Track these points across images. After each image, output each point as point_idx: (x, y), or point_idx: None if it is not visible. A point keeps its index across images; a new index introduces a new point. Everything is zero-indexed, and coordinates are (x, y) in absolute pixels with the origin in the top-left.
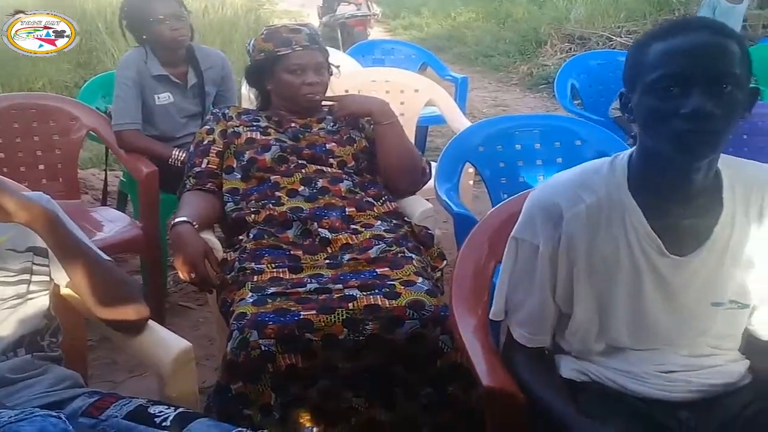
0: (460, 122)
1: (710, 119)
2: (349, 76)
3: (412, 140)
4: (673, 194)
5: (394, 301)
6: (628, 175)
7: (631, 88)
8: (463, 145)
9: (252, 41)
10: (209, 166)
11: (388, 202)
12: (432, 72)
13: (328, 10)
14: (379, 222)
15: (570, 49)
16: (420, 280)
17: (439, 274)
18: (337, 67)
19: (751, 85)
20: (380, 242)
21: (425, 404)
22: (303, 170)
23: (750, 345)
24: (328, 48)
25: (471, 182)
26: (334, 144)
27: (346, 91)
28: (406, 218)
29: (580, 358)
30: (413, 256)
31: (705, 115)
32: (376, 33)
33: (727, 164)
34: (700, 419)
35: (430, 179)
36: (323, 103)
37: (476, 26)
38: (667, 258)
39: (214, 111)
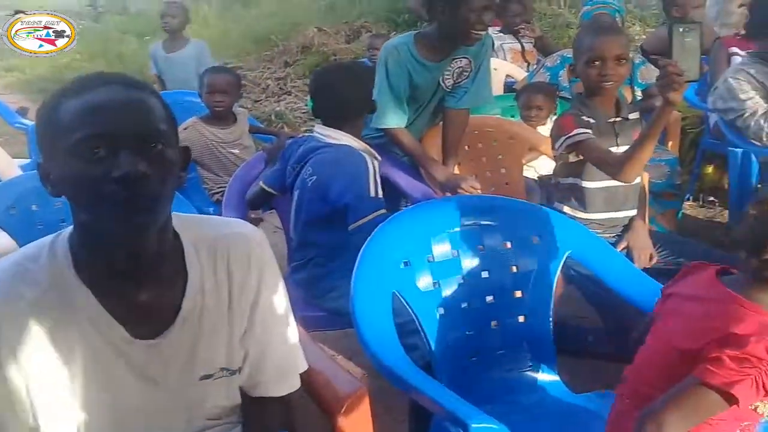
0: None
1: (145, 182)
2: None
3: None
4: (127, 271)
5: None
6: (72, 258)
7: (49, 156)
8: None
9: None
10: None
11: None
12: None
13: None
14: None
15: None
16: None
17: None
18: None
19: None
20: None
21: None
22: None
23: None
24: None
25: None
26: None
27: None
28: None
29: None
30: None
31: (139, 177)
32: None
33: (186, 227)
34: None
35: None
36: None
37: (81, 67)
38: (134, 343)
39: None
